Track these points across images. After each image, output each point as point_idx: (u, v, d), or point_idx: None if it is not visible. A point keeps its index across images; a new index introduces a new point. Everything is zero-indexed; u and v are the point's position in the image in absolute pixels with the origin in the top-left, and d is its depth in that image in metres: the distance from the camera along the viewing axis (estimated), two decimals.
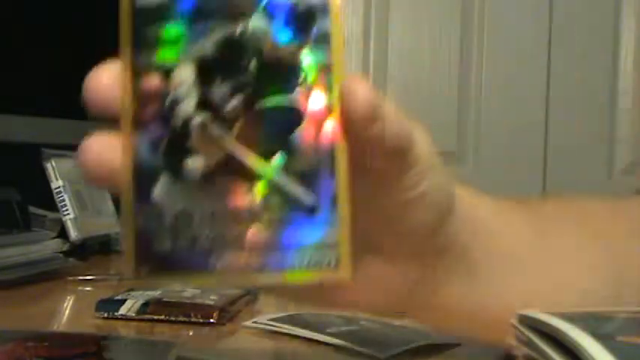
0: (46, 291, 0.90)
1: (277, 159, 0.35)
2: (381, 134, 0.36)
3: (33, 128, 1.19)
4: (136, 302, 0.73)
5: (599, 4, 1.89)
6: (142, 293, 0.75)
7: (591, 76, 1.92)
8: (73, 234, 1.07)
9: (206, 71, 0.36)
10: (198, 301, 0.72)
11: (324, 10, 0.36)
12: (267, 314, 0.68)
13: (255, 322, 0.67)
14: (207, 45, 0.36)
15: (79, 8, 1.33)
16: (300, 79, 0.36)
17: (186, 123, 0.35)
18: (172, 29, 0.36)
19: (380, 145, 0.37)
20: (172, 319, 0.70)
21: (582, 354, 0.35)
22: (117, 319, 0.72)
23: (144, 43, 0.36)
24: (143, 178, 0.35)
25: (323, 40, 0.36)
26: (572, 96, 1.93)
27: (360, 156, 0.36)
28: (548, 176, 1.94)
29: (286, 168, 0.35)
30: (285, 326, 0.65)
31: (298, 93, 0.36)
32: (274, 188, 0.35)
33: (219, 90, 0.35)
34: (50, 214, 1.15)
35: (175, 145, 0.35)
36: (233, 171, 0.35)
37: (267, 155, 0.35)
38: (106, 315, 0.72)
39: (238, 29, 0.36)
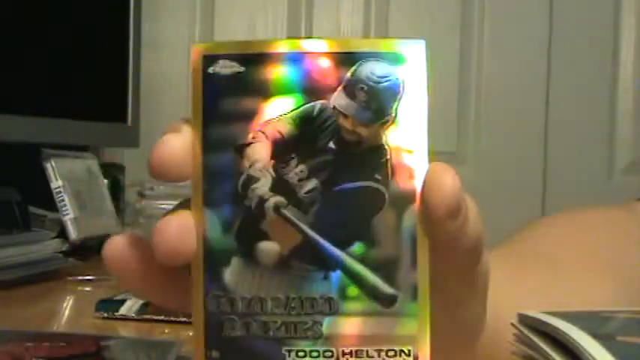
0: (46, 291, 0.90)
1: (356, 246, 0.33)
2: (461, 231, 0.34)
3: (33, 128, 1.19)
4: (136, 302, 0.73)
5: (599, 4, 1.89)
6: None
7: (591, 76, 1.92)
8: (73, 234, 1.07)
9: (282, 150, 0.33)
10: None
11: (410, 89, 0.34)
12: None
13: None
14: (283, 122, 0.34)
15: (79, 8, 1.33)
16: (381, 162, 0.33)
17: (261, 204, 0.33)
18: (246, 102, 0.34)
19: (457, 243, 0.34)
20: (172, 319, 0.71)
21: (582, 354, 0.35)
22: (117, 319, 0.72)
23: (216, 117, 0.34)
24: (214, 259, 0.33)
25: (406, 122, 0.34)
26: (572, 96, 1.93)
27: (435, 251, 0.34)
28: (548, 176, 1.94)
29: (365, 256, 0.33)
30: None
31: (379, 177, 0.33)
32: (352, 277, 0.33)
33: (296, 171, 0.33)
34: (50, 214, 1.15)
35: (248, 227, 0.33)
36: (308, 257, 0.33)
37: (344, 242, 0.33)
38: (106, 315, 0.72)
39: (317, 106, 0.34)
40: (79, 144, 1.31)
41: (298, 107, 0.34)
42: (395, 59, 0.34)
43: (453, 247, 0.35)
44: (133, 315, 0.71)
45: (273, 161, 0.34)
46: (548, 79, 1.93)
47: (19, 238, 0.98)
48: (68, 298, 0.91)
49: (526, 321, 0.42)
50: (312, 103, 0.34)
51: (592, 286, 0.58)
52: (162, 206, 1.40)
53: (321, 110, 0.34)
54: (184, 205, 0.34)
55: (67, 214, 1.07)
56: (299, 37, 0.35)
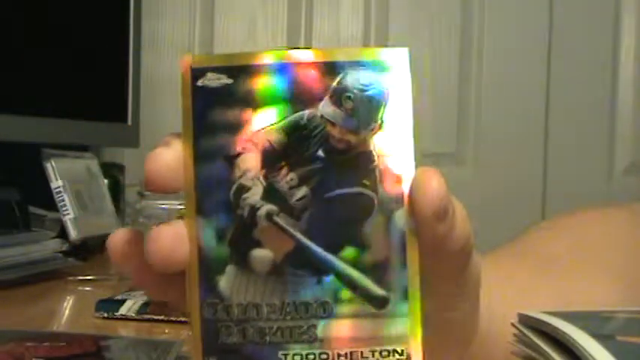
0: (46, 291, 0.90)
1: (347, 250, 0.34)
2: (449, 233, 0.35)
3: (33, 128, 1.19)
4: (135, 302, 0.73)
5: (599, 4, 1.89)
6: (142, 293, 0.75)
7: (591, 76, 1.92)
8: (73, 234, 1.07)
9: (272, 159, 0.34)
10: None
11: (394, 96, 0.35)
12: None
13: None
14: (273, 132, 0.34)
15: (78, 8, 1.33)
16: (369, 168, 0.34)
17: (253, 213, 0.34)
18: (235, 113, 0.34)
19: (445, 245, 0.36)
20: (172, 319, 0.71)
21: (582, 354, 0.35)
22: (117, 319, 0.72)
23: (206, 128, 0.34)
24: (209, 268, 0.34)
25: (393, 128, 0.35)
26: (572, 96, 1.93)
27: (424, 253, 0.35)
28: (548, 176, 1.94)
29: (356, 260, 0.34)
30: None
31: (368, 182, 0.34)
32: (344, 280, 0.34)
33: (286, 179, 0.34)
34: (50, 214, 1.15)
35: (241, 235, 0.34)
36: (301, 263, 0.34)
37: (336, 247, 0.34)
38: (106, 315, 0.72)
39: (305, 115, 0.35)
40: (79, 144, 1.31)
41: (286, 117, 0.35)
42: (379, 67, 0.35)
43: (442, 248, 0.35)
44: (133, 315, 0.71)
45: (263, 170, 0.34)
46: (548, 79, 1.93)
47: (19, 238, 0.98)
48: (68, 298, 0.91)
49: (526, 321, 0.42)
50: (300, 113, 0.35)
51: (587, 285, 0.58)
52: (163, 206, 1.40)
53: (309, 119, 0.35)
54: (178, 216, 0.35)
55: (67, 214, 1.07)
56: (285, 48, 0.36)
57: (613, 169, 1.94)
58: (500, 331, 0.46)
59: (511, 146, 1.92)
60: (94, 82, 1.36)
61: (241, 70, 0.35)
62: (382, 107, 0.35)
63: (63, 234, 1.07)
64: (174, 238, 0.34)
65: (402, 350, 0.34)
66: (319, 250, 0.34)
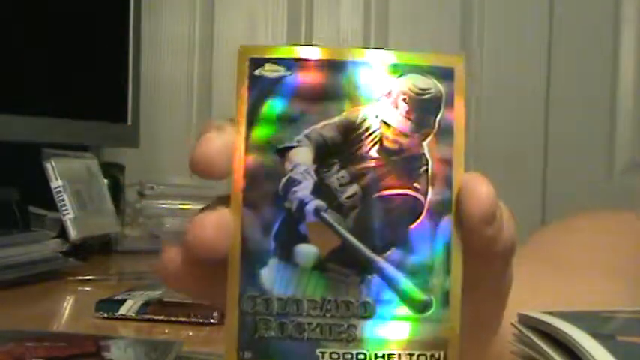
0: (46, 291, 0.90)
1: (393, 252, 0.34)
2: (496, 236, 0.35)
3: (33, 128, 1.19)
4: (135, 302, 0.73)
5: (599, 4, 1.89)
6: (142, 293, 0.75)
7: (591, 76, 1.92)
8: (73, 234, 1.07)
9: (325, 155, 0.34)
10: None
11: (449, 103, 0.35)
12: None
13: None
14: (328, 128, 0.34)
15: (78, 8, 1.33)
16: (421, 172, 0.34)
17: (301, 207, 0.34)
18: (290, 106, 0.34)
19: (491, 248, 0.36)
20: (172, 319, 0.71)
21: (582, 354, 0.35)
22: (117, 319, 0.72)
23: (260, 119, 0.34)
24: (252, 260, 0.33)
25: (446, 134, 0.35)
26: (572, 96, 1.93)
27: (470, 256, 0.35)
28: (548, 176, 1.94)
29: (401, 262, 0.34)
30: None
31: (418, 186, 0.34)
32: (387, 282, 0.34)
33: (337, 176, 0.34)
34: (50, 214, 1.15)
35: (288, 229, 0.34)
36: (346, 261, 0.34)
37: (382, 247, 0.34)
38: (106, 315, 0.72)
39: (361, 114, 0.35)
40: (79, 144, 1.31)
41: (342, 114, 0.35)
42: (437, 73, 0.35)
43: (488, 252, 0.36)
44: (133, 315, 0.71)
45: (315, 165, 0.34)
46: (548, 79, 1.93)
47: (19, 238, 0.98)
48: (68, 298, 0.91)
49: (526, 321, 0.42)
50: (355, 111, 0.35)
51: (610, 292, 0.58)
52: (163, 206, 1.40)
53: (365, 118, 0.35)
54: (221, 202, 0.34)
55: (67, 214, 1.07)
56: (346, 47, 0.36)
57: (613, 169, 1.94)
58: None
59: (511, 146, 1.92)
60: (94, 82, 1.36)
61: (300, 64, 0.35)
62: (437, 112, 0.35)
63: (63, 234, 1.07)
64: (219, 226, 0.33)
65: (440, 355, 0.34)
66: (365, 249, 0.34)
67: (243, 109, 0.34)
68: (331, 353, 0.33)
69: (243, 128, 0.34)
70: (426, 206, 0.34)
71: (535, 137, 1.93)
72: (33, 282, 0.91)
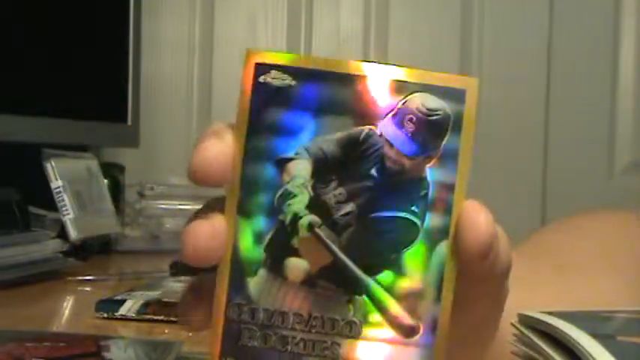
0: (46, 291, 0.90)
1: (384, 274, 0.33)
2: (492, 266, 0.35)
3: (33, 128, 1.19)
4: (135, 302, 0.73)
5: (599, 4, 1.89)
6: (142, 293, 0.75)
7: (591, 76, 1.92)
8: (73, 234, 1.07)
9: (324, 169, 0.34)
10: None
11: (457, 126, 0.34)
12: None
13: None
14: (328, 142, 0.34)
15: (78, 8, 1.33)
16: (420, 195, 0.34)
17: (295, 221, 0.33)
18: (293, 117, 0.34)
19: (486, 276, 0.35)
20: (172, 319, 0.70)
21: (582, 354, 0.35)
22: (117, 319, 0.72)
23: (260, 127, 0.34)
24: (241, 268, 0.33)
25: (450, 158, 0.34)
26: (572, 96, 1.93)
27: (463, 281, 0.34)
28: (548, 176, 1.94)
29: (391, 285, 0.33)
30: None
31: (416, 209, 0.33)
32: (376, 304, 0.33)
33: (335, 192, 0.34)
34: (50, 214, 1.15)
35: (280, 241, 0.33)
36: (336, 279, 0.33)
37: (373, 269, 0.33)
38: (106, 315, 0.72)
39: (365, 132, 0.34)
40: (79, 144, 1.31)
41: (345, 129, 0.34)
42: (447, 94, 0.34)
43: (483, 279, 0.35)
44: (133, 315, 0.71)
45: (312, 180, 0.34)
46: (548, 79, 1.93)
47: (19, 238, 0.97)
48: (68, 298, 0.91)
49: (526, 321, 0.42)
50: (359, 127, 0.34)
51: (611, 291, 0.58)
52: (163, 206, 1.40)
53: (368, 136, 0.34)
54: (214, 207, 0.34)
55: (67, 214, 1.07)
56: (355, 60, 0.35)
57: (613, 169, 1.94)
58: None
59: (511, 146, 1.92)
60: (94, 82, 1.36)
61: (307, 74, 0.34)
62: (444, 135, 0.34)
63: (63, 234, 1.07)
64: (212, 232, 0.33)
65: None
66: (356, 269, 0.33)
67: (244, 115, 0.34)
68: None
69: (242, 136, 0.34)
70: (422, 231, 0.33)
71: (535, 137, 1.93)
72: (33, 282, 0.91)
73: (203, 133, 0.34)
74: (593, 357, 0.35)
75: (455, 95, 0.34)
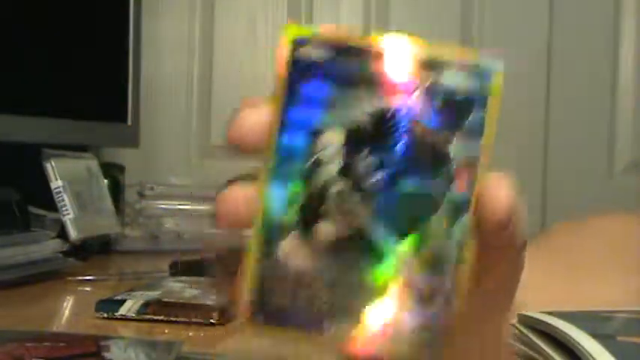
0: (46, 291, 0.90)
1: (407, 241, 0.35)
2: (511, 238, 0.37)
3: (33, 128, 1.19)
4: (135, 302, 0.73)
5: (599, 4, 1.89)
6: (142, 293, 0.75)
7: (591, 76, 1.92)
8: (73, 234, 1.07)
9: (355, 139, 0.35)
10: (199, 301, 0.72)
11: (482, 103, 0.36)
12: None
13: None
14: (360, 114, 0.35)
15: (78, 8, 1.33)
16: (445, 168, 0.35)
17: (325, 187, 0.35)
18: (328, 90, 0.35)
19: (506, 247, 0.37)
20: (172, 319, 0.71)
21: (582, 354, 0.35)
22: (117, 319, 0.72)
23: (296, 99, 0.36)
24: (273, 231, 0.35)
25: (475, 134, 0.36)
26: (572, 96, 1.93)
27: (482, 251, 0.36)
28: (548, 176, 1.94)
29: (414, 252, 0.35)
30: None
31: (440, 181, 0.35)
32: (399, 270, 0.35)
33: (365, 162, 0.35)
34: (50, 214, 1.15)
35: (310, 206, 0.35)
36: (363, 245, 0.35)
37: (399, 236, 0.35)
38: (105, 315, 0.72)
39: (395, 105, 0.36)
40: (79, 144, 1.31)
41: (377, 102, 0.35)
42: (474, 72, 0.36)
43: (502, 250, 0.37)
44: (133, 315, 0.71)
45: (344, 149, 0.35)
46: (549, 79, 1.93)
47: (19, 238, 0.97)
48: (68, 298, 0.91)
49: (526, 321, 0.42)
50: (390, 102, 0.35)
51: (621, 292, 0.58)
52: (162, 206, 1.40)
53: (397, 110, 0.35)
54: (247, 176, 0.36)
55: (67, 214, 1.07)
56: (388, 35, 0.36)
57: (613, 169, 1.94)
58: None
59: (511, 146, 1.92)
60: (94, 82, 1.36)
61: (342, 49, 0.36)
62: (470, 112, 0.36)
63: (63, 234, 1.07)
64: (244, 198, 0.35)
65: (432, 344, 0.35)
66: (381, 235, 0.35)
67: (281, 87, 0.35)
68: (338, 329, 0.35)
69: (278, 107, 0.35)
70: (445, 202, 0.35)
71: (535, 137, 1.93)
72: (33, 282, 0.91)
73: (241, 104, 0.36)
74: (593, 357, 0.35)
75: (481, 72, 0.36)
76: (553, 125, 1.93)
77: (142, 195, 1.39)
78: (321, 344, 0.35)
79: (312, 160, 0.35)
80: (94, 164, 1.23)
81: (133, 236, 1.33)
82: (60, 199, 1.08)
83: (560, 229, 0.67)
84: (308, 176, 0.35)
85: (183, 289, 0.77)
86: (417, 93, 0.36)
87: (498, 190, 0.35)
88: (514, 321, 0.43)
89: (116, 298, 0.74)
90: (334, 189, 0.35)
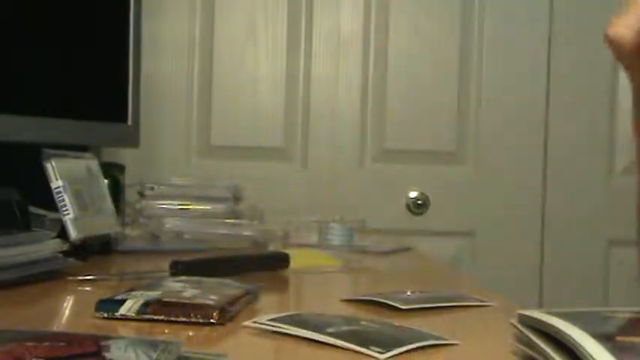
0: (46, 291, 0.90)
1: None
2: None
3: (33, 128, 1.19)
4: (135, 302, 0.73)
5: (599, 4, 1.89)
6: (143, 293, 0.75)
7: (591, 76, 1.92)
8: (73, 234, 1.07)
9: None
10: (199, 301, 0.72)
11: None
12: (267, 314, 0.69)
13: (255, 322, 0.67)
14: None
15: (79, 8, 1.33)
16: None
17: None
18: None
19: None
20: (172, 319, 0.70)
21: (582, 354, 0.35)
22: (117, 319, 0.72)
23: None
24: None
25: None
26: (572, 96, 1.93)
27: None
28: (548, 176, 1.94)
29: None
30: (285, 326, 0.65)
31: None
32: None
33: None
34: (50, 214, 1.15)
35: None
36: None
37: None
38: (106, 315, 0.72)
39: None
40: (79, 144, 1.31)
41: None
42: None
43: None
44: (133, 315, 0.71)
45: None
46: (548, 79, 1.93)
47: (19, 238, 0.97)
48: (68, 298, 0.91)
49: (526, 321, 0.42)
50: None
51: None
52: (163, 206, 1.40)
53: None
54: None
55: (67, 214, 1.07)
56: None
57: (613, 169, 1.94)
58: None
59: (511, 146, 1.92)
60: (94, 82, 1.36)
61: None
62: None
63: (63, 234, 1.07)
64: None
65: None
66: None
67: None
68: None
69: None
70: None
71: (535, 137, 1.93)
72: (33, 282, 0.91)
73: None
74: (593, 357, 0.35)
75: None
76: (553, 125, 1.93)
77: (142, 195, 1.39)
78: None
79: None
80: (94, 164, 1.23)
81: (134, 236, 1.33)
82: (60, 199, 1.08)
83: None
84: None
85: (183, 289, 0.77)
86: None
87: None
88: (514, 321, 0.43)
89: (116, 298, 0.74)
90: None
